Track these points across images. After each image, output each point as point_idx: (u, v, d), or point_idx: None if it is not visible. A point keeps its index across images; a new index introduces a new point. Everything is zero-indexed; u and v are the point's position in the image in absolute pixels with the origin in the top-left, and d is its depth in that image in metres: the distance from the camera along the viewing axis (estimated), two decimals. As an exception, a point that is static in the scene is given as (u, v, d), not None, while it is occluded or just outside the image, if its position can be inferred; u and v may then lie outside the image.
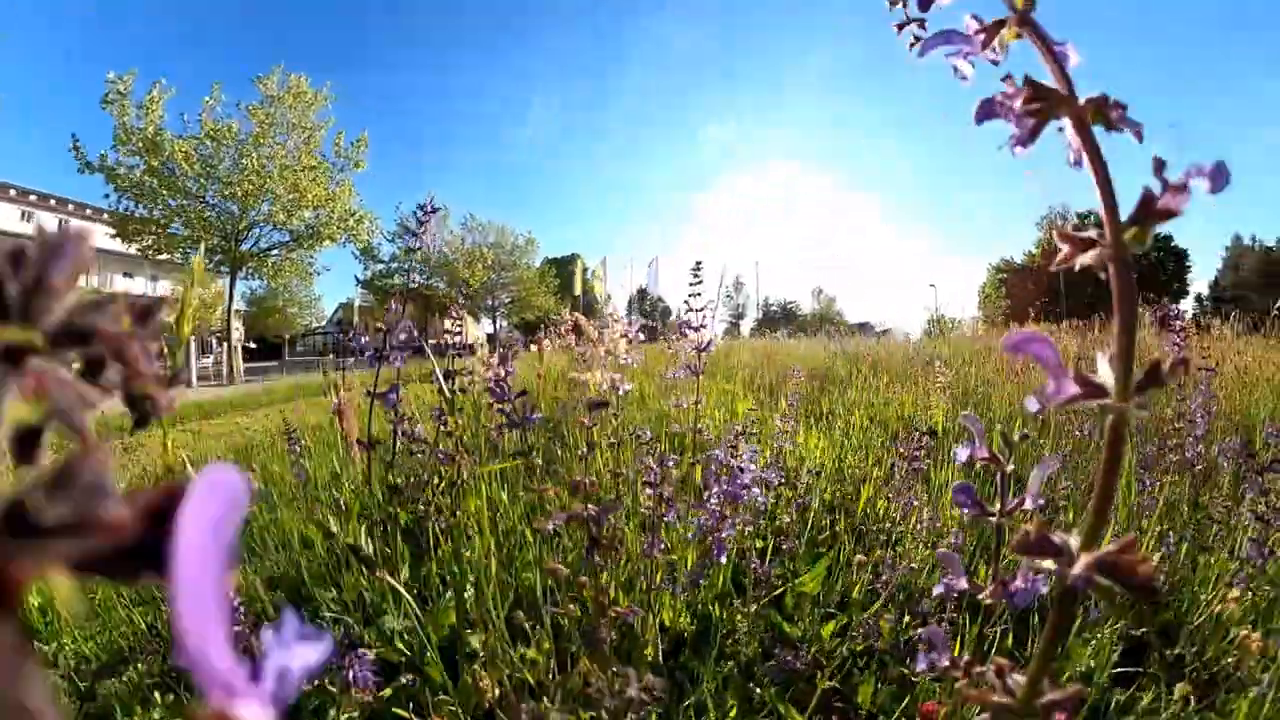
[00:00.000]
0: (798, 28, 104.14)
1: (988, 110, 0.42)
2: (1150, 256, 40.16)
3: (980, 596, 0.57)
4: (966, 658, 0.60)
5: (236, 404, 9.37)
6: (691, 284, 1.60)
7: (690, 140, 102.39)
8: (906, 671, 1.32)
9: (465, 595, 1.37)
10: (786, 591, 1.55)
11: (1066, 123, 0.40)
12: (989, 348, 6.85)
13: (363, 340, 1.66)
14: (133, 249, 19.16)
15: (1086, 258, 0.39)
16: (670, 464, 1.16)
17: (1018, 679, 0.43)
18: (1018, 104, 0.40)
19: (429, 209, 1.74)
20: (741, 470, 1.26)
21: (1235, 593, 1.41)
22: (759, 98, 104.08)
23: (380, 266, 34.42)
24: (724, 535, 1.24)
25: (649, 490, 1.09)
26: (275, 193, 18.79)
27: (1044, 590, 0.55)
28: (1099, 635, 1.39)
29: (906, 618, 1.43)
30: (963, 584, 0.60)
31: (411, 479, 1.85)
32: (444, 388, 1.75)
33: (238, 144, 18.48)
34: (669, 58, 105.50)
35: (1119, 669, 1.36)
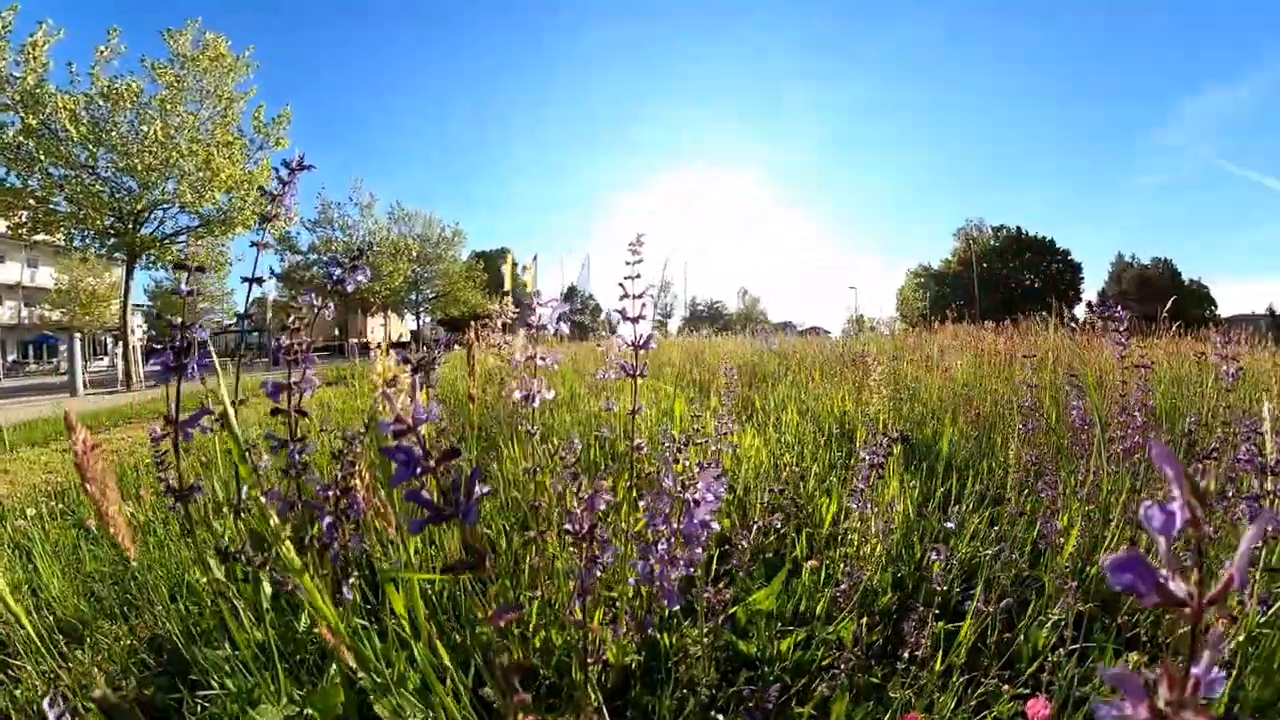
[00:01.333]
0: (726, 31, 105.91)
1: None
2: (1052, 268, 44.20)
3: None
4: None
5: (132, 414, 8.13)
6: (629, 263, 1.30)
7: (622, 140, 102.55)
8: (876, 680, 1.26)
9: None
10: (739, 607, 1.45)
11: None
12: (910, 345, 7.11)
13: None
14: (2, 226, 16.37)
15: None
16: (600, 504, 0.89)
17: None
18: None
19: (297, 165, 1.41)
20: (697, 504, 0.99)
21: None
22: (691, 100, 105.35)
23: (298, 258, 32.48)
24: (674, 577, 1.02)
25: (571, 537, 0.86)
26: (183, 169, 16.11)
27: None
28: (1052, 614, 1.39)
29: (866, 619, 1.36)
30: (1143, 714, 0.38)
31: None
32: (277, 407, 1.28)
33: (139, 107, 15.67)
34: (608, 59, 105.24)
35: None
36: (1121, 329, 1.90)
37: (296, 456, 1.28)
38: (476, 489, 0.61)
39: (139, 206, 16.45)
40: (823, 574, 1.51)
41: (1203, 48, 69.30)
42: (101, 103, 15.36)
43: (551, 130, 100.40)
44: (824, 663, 1.30)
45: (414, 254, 34.44)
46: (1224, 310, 42.02)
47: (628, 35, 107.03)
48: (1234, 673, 1.11)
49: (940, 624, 1.32)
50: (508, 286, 20.36)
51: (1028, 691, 1.21)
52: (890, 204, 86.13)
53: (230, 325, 37.72)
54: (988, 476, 2.17)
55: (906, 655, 1.25)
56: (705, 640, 1.19)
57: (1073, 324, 7.53)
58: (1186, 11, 69.09)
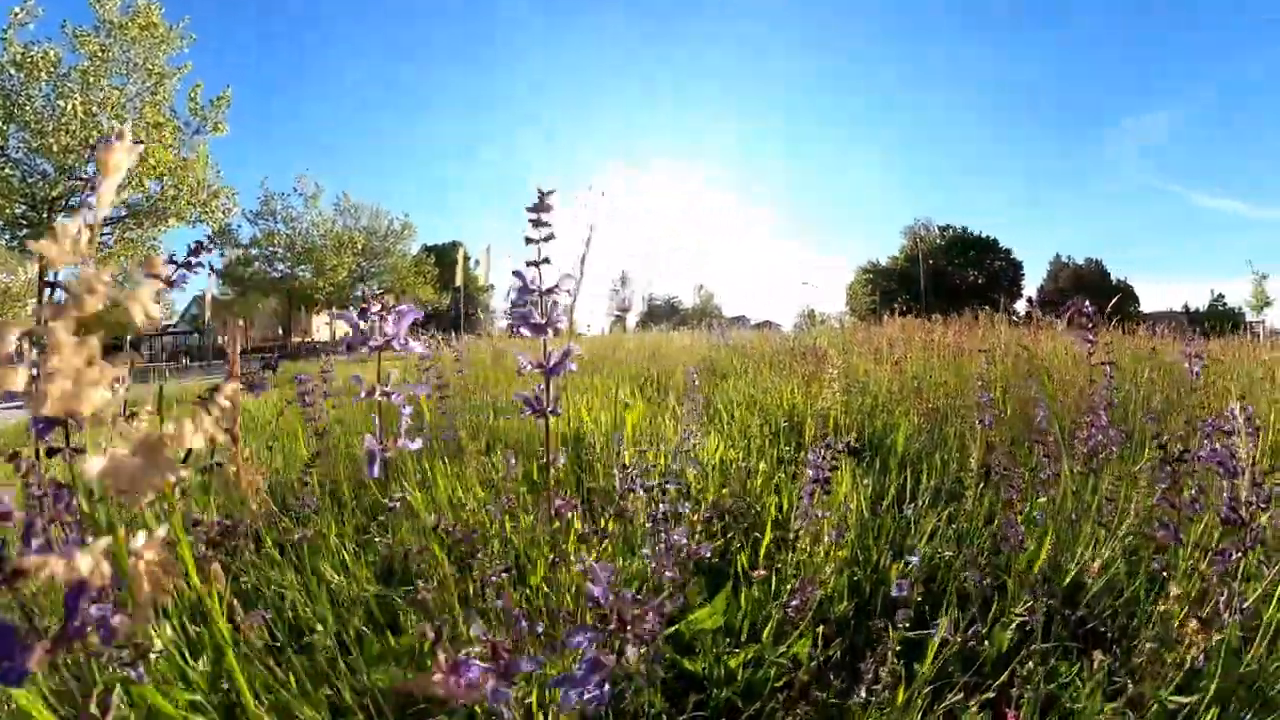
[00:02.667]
0: (680, 28, 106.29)
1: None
2: (995, 265, 46.10)
3: None
4: None
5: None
6: (531, 239, 0.92)
7: (575, 135, 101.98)
8: (834, 699, 1.17)
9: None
10: (682, 624, 1.33)
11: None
12: (860, 339, 7.20)
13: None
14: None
15: None
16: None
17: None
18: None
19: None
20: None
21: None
22: (647, 96, 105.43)
23: (239, 252, 30.92)
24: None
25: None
26: (106, 150, 15.03)
27: None
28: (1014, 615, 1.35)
29: (822, 627, 1.27)
30: None
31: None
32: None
33: (56, 79, 14.10)
34: (559, 52, 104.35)
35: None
36: (1089, 327, 1.88)
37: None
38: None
39: (54, 193, 14.96)
40: (773, 583, 1.41)
41: (1134, 77, 75.11)
42: (14, 72, 13.81)
43: (518, 123, 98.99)
44: (777, 683, 1.20)
45: (359, 247, 33.31)
46: (1145, 307, 44.62)
47: (581, 36, 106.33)
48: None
49: (903, 629, 1.23)
50: (459, 281, 19.80)
51: (993, 695, 1.15)
52: (842, 202, 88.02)
53: (167, 327, 35.56)
54: (942, 471, 2.13)
55: (865, 689, 1.15)
56: (641, 669, 1.07)
57: (1015, 318, 7.84)
58: (1123, 42, 74.25)
